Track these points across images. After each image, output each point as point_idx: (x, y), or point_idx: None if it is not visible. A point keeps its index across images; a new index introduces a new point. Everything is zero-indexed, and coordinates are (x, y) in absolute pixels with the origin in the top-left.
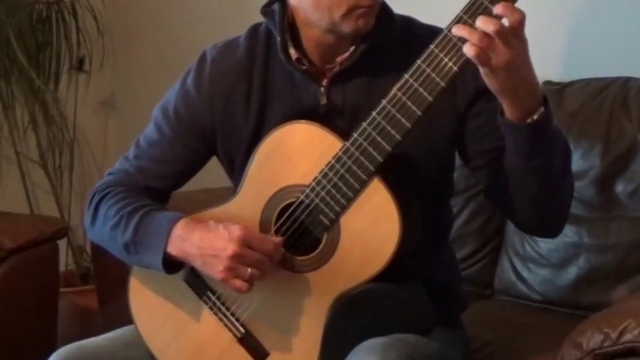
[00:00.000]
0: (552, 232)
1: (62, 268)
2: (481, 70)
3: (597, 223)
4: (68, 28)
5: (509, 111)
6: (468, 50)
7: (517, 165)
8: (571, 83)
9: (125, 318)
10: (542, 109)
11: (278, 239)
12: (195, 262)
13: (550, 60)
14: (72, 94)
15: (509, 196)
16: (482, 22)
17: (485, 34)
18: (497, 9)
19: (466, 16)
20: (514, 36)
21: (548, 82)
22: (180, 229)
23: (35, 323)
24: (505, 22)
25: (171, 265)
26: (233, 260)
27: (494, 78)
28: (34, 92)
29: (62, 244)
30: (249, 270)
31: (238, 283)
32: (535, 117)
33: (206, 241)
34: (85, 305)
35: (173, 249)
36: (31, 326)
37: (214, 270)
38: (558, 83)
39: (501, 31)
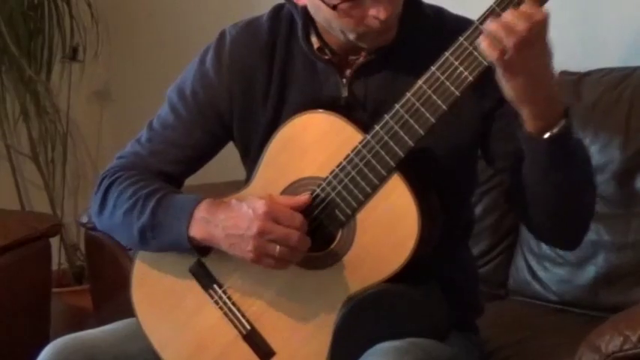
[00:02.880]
0: (569, 245)
1: (54, 267)
2: (500, 74)
3: (617, 220)
4: (61, 16)
5: (527, 122)
6: (491, 52)
7: (534, 177)
8: (589, 73)
9: (120, 319)
10: (562, 122)
11: (303, 199)
12: (222, 245)
13: (567, 49)
14: (65, 84)
15: (526, 206)
16: (513, 17)
17: (512, 35)
18: (523, 7)
19: (499, 9)
20: (538, 38)
21: (565, 72)
22: (203, 211)
23: (27, 324)
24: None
25: (197, 248)
26: (259, 238)
27: (513, 84)
28: (25, 82)
29: (55, 241)
30: (278, 247)
31: (271, 261)
32: (555, 130)
33: (231, 221)
34: (78, 306)
35: (197, 232)
36: (22, 328)
37: (243, 251)
38: (576, 73)
39: (529, 31)
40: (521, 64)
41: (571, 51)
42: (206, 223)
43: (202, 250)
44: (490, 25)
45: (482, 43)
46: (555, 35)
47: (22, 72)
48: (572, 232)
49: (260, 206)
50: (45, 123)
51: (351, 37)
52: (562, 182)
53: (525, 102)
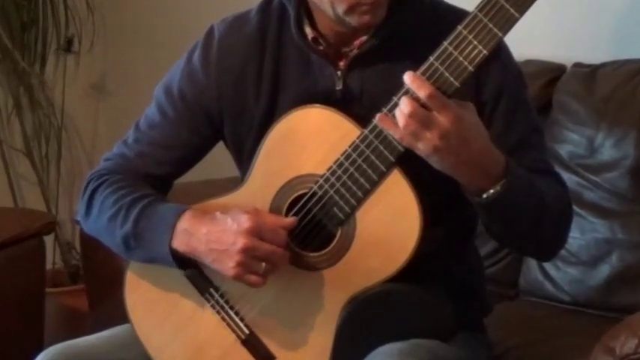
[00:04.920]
0: (541, 260)
1: (49, 266)
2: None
3: (632, 218)
4: (55, 6)
5: (462, 184)
6: (395, 132)
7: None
8: (603, 65)
9: (117, 320)
10: (497, 188)
11: (290, 221)
12: (204, 259)
13: (580, 40)
14: (60, 76)
15: None
16: (402, 103)
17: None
18: (406, 78)
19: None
20: (438, 113)
21: (577, 64)
22: (186, 223)
23: (20, 326)
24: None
25: (178, 260)
26: (244, 255)
27: (430, 160)
28: (18, 75)
29: (49, 240)
30: (263, 264)
31: (253, 278)
32: (485, 195)
33: (214, 235)
34: (73, 307)
35: (180, 244)
36: (16, 329)
37: (226, 266)
38: (589, 65)
39: (417, 114)
40: (425, 143)
41: (584, 43)
42: (189, 236)
43: (185, 262)
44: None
45: (383, 123)
46: (568, 27)
47: (15, 64)
48: (536, 256)
49: (244, 221)
50: (39, 117)
51: (340, 10)
52: (505, 230)
53: (449, 172)
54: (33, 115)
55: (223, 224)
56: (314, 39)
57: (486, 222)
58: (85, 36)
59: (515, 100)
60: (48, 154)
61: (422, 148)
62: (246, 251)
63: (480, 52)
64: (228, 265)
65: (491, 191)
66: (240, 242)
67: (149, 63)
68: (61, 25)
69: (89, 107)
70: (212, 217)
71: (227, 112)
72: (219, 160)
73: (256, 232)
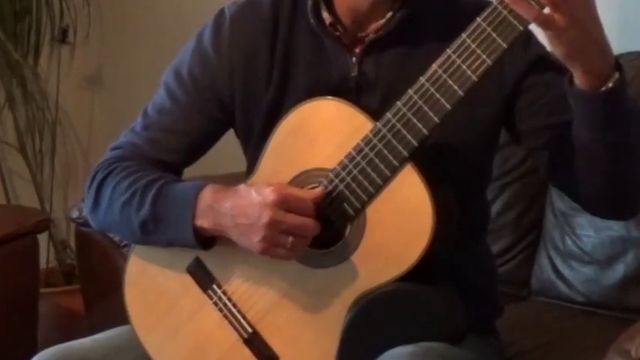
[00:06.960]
0: (628, 212)
1: (43, 265)
2: (546, 34)
3: None
4: None
5: (580, 79)
6: (527, 12)
7: (589, 140)
8: (619, 56)
9: (114, 322)
10: (617, 75)
11: (316, 193)
12: (230, 234)
13: None
14: (54, 69)
15: (576, 175)
16: None
17: None
18: None
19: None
20: None
21: None
22: (209, 199)
23: (13, 328)
24: None
25: (203, 239)
26: (270, 229)
27: (560, 41)
28: (11, 67)
29: (43, 238)
30: (290, 239)
31: (281, 252)
32: (610, 85)
33: (239, 209)
34: (68, 307)
35: (204, 221)
36: (8, 331)
37: (252, 241)
38: None
39: None
40: (563, 15)
41: None
42: (214, 211)
43: (208, 241)
44: None
45: (515, 5)
46: None
47: (7, 56)
48: (630, 196)
49: (269, 193)
50: (32, 110)
51: None
52: (619, 140)
53: (576, 57)
54: (26, 108)
55: (248, 197)
56: (331, 24)
57: (602, 127)
58: (80, 26)
59: (548, 64)
60: (42, 149)
61: (560, 19)
62: (272, 225)
63: (500, 45)
64: (254, 240)
65: (614, 77)
66: (266, 216)
67: (146, 55)
68: (56, 15)
69: (84, 100)
70: (235, 190)
71: (238, 95)
72: (218, 156)
73: (282, 205)
